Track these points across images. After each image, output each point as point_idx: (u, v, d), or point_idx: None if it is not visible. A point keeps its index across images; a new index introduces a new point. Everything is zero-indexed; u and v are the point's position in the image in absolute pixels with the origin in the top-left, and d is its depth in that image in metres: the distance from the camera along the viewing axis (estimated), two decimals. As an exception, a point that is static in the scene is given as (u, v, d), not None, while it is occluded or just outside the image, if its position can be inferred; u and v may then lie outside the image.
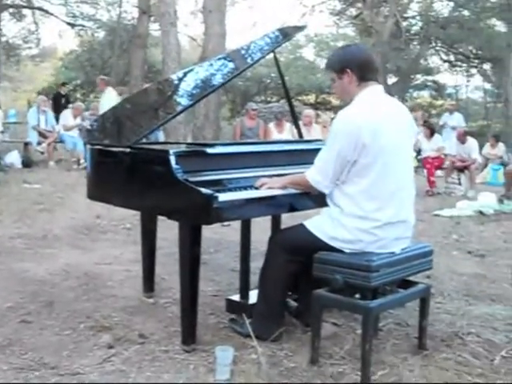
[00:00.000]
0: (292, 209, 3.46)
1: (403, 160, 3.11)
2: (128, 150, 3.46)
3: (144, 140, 3.71)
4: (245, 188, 3.26)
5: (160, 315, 3.82)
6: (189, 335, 3.27)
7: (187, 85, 3.90)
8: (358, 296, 3.05)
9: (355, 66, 3.08)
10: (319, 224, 3.15)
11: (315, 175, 3.09)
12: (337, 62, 3.15)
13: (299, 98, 25.86)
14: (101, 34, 26.84)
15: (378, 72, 3.14)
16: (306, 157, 3.78)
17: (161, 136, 12.21)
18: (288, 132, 10.65)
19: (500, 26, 24.34)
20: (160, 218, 3.54)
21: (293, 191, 3.30)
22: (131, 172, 3.44)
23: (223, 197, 3.01)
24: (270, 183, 3.31)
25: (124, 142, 3.55)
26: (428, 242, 3.71)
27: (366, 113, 2.98)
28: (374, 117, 2.98)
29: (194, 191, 2.97)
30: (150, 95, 4.30)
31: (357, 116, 2.97)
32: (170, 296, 4.18)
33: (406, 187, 3.13)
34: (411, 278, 3.27)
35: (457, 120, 14.31)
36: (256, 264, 4.30)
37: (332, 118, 12.94)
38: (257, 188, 3.29)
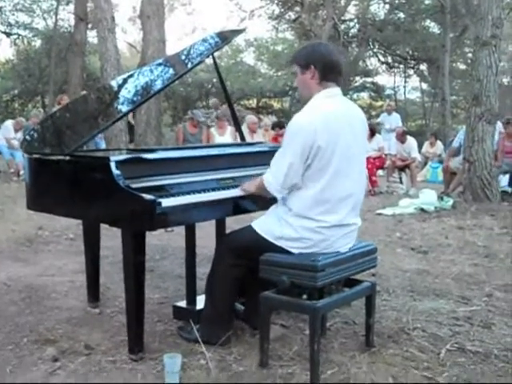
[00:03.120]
0: (236, 212, 3.46)
1: (356, 164, 3.10)
2: (68, 157, 3.40)
3: (84, 148, 3.65)
4: (188, 193, 3.24)
5: (106, 325, 3.76)
6: (136, 344, 3.22)
7: (127, 91, 3.86)
8: (304, 296, 3.05)
9: (320, 65, 3.08)
10: (265, 224, 3.15)
11: (269, 178, 3.08)
12: (303, 57, 3.15)
13: (241, 102, 25.91)
14: (37, 43, 26.29)
15: (340, 75, 3.15)
16: (249, 160, 3.80)
17: (102, 144, 12.05)
18: (230, 134, 10.65)
19: (434, 28, 24.97)
20: (104, 226, 3.48)
21: (236, 194, 3.31)
22: (72, 180, 3.38)
23: (166, 202, 2.98)
24: (247, 187, 3.32)
25: (64, 150, 3.49)
26: (372, 241, 3.76)
27: (322, 116, 2.97)
28: (330, 119, 2.98)
29: (137, 197, 2.94)
30: (89, 102, 4.22)
31: (312, 119, 2.96)
32: (116, 305, 4.13)
33: (357, 192, 3.13)
34: (357, 277, 3.29)
35: (395, 120, 14.55)
36: (203, 270, 4.30)
37: (273, 123, 12.98)
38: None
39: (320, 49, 3.16)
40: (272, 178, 3.05)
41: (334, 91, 3.12)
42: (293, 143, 2.97)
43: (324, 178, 2.98)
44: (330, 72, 3.10)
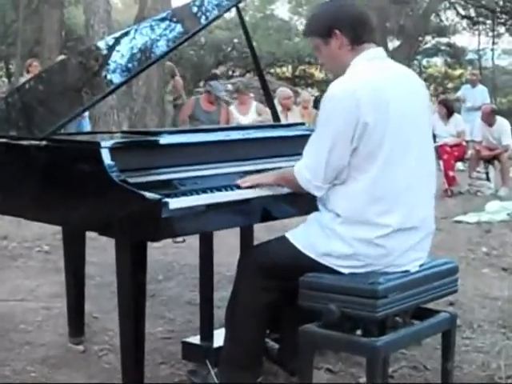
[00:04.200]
0: (266, 217, 3.48)
1: (418, 145, 3.10)
2: (43, 143, 3.41)
3: (64, 130, 3.68)
4: (203, 191, 3.23)
5: (93, 367, 3.79)
6: (133, 393, 3.24)
7: (120, 55, 3.88)
8: (359, 332, 3.03)
9: (345, 25, 3.08)
10: (306, 236, 3.14)
11: (304, 172, 3.07)
12: (321, 24, 3.15)
13: (271, 70, 25.99)
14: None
15: (375, 32, 3.16)
16: (284, 147, 3.80)
17: (87, 125, 12.13)
18: (254, 113, 10.68)
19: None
20: (91, 235, 3.50)
21: (267, 192, 3.31)
22: (48, 173, 3.40)
23: (175, 203, 2.97)
24: (259, 179, 3.34)
25: (37, 134, 3.50)
26: (450, 258, 3.73)
27: (366, 83, 2.97)
28: (378, 88, 2.97)
29: (136, 196, 2.93)
30: (69, 70, 4.26)
31: (354, 88, 2.95)
32: (105, 341, 4.15)
33: (422, 182, 3.13)
34: (430, 306, 3.28)
35: (480, 95, 14.42)
36: (221, 294, 4.30)
37: (316, 97, 13.01)
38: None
39: (337, 6, 3.18)
40: (308, 171, 3.05)
41: (377, 52, 3.13)
42: (331, 120, 2.98)
43: (375, 165, 2.97)
44: (363, 30, 3.11)
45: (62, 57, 11.78)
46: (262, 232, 4.26)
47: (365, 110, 2.92)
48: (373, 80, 2.99)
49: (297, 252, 3.12)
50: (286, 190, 3.30)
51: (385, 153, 2.97)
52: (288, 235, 3.19)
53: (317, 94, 17.75)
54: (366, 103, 2.92)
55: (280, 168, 3.41)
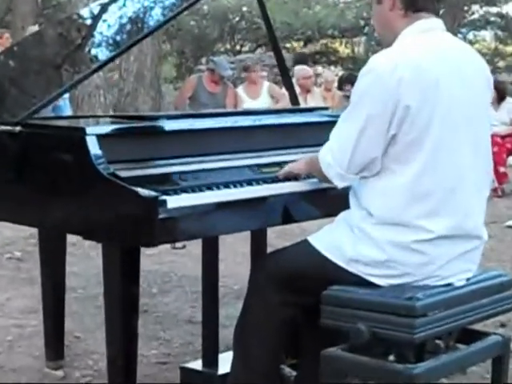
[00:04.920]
0: (284, 219, 3.47)
1: (473, 136, 3.09)
2: (17, 129, 3.43)
3: (39, 115, 3.68)
4: (208, 187, 3.25)
5: (74, 397, 3.81)
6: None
7: (107, 26, 3.89)
8: (393, 357, 3.02)
9: None
10: (331, 238, 3.15)
11: (327, 155, 3.08)
12: None
13: (286, 45, 25.97)
14: None
15: (436, 2, 3.16)
16: (305, 135, 3.80)
17: (66, 108, 12.14)
18: (267, 95, 10.68)
19: None
20: (72, 240, 3.51)
21: (284, 190, 3.33)
22: (22, 164, 3.41)
23: (174, 201, 2.99)
24: (291, 167, 3.39)
25: (8, 118, 3.53)
26: (502, 269, 3.73)
27: (411, 59, 2.97)
28: (425, 66, 2.97)
29: (128, 193, 2.95)
30: (46, 44, 4.27)
31: (396, 64, 2.94)
32: (89, 365, 4.17)
33: (476, 180, 3.11)
34: (478, 327, 3.28)
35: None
36: (228, 311, 4.31)
37: (341, 77, 13.01)
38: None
39: None
40: (331, 154, 3.06)
41: (432, 23, 3.12)
42: (366, 98, 2.99)
43: (418, 157, 2.97)
44: None
45: (37, 27, 11.81)
46: (276, 238, 4.25)
47: (407, 91, 2.91)
48: (420, 56, 2.99)
49: (319, 258, 3.12)
50: (307, 187, 3.31)
51: (431, 143, 2.96)
52: (310, 239, 3.20)
53: (342, 73, 17.68)
54: (408, 83, 2.91)
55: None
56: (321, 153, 3.10)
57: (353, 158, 3.00)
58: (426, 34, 3.08)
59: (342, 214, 3.21)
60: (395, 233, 2.99)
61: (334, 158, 3.03)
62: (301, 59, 10.69)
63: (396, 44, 3.07)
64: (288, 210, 3.43)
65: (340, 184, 3.09)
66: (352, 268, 3.06)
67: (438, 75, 2.97)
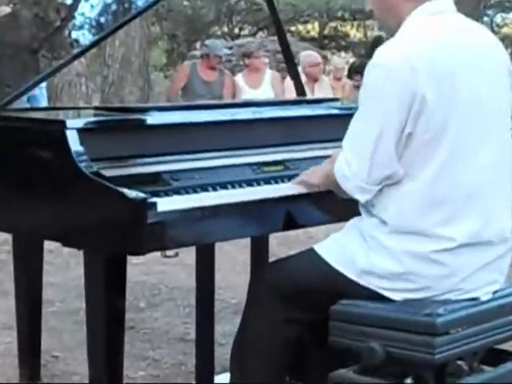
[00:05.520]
0: (288, 224, 3.51)
1: (496, 134, 3.11)
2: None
3: (15, 105, 3.73)
4: (203, 188, 3.27)
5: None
6: None
7: (89, 6, 3.95)
8: (410, 380, 3.03)
9: None
10: (341, 248, 3.16)
11: (343, 167, 3.05)
12: None
13: (291, 28, 25.92)
14: None
15: None
16: (313, 130, 3.84)
17: (42, 98, 12.12)
18: (269, 85, 10.69)
19: None
20: (50, 247, 3.55)
21: (290, 192, 3.37)
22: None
23: (165, 204, 3.02)
24: (305, 176, 3.38)
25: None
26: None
27: (425, 46, 2.98)
28: (441, 54, 2.98)
29: (113, 194, 2.97)
30: (20, 26, 4.30)
31: (408, 52, 2.96)
32: (68, 388, 4.19)
33: (500, 183, 3.13)
34: (505, 346, 3.30)
35: None
36: (224, 328, 4.33)
37: (352, 64, 13.03)
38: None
39: None
40: (347, 166, 3.03)
41: (443, 4, 3.14)
42: (378, 97, 3.00)
43: (435, 159, 2.98)
44: None
45: (10, 8, 11.81)
46: (279, 245, 4.29)
47: (422, 80, 2.91)
48: (433, 41, 3.00)
49: (328, 270, 3.13)
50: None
51: (449, 142, 2.97)
52: (317, 247, 3.21)
53: (352, 59, 17.66)
54: (423, 72, 2.92)
55: (309, 159, 3.50)
56: (336, 164, 3.08)
57: (372, 168, 2.99)
58: (436, 16, 3.08)
59: (353, 221, 3.22)
60: (412, 242, 3.00)
61: (350, 171, 3.02)
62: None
63: (402, 30, 3.08)
64: (292, 215, 3.45)
65: (362, 198, 3.07)
66: (363, 281, 3.07)
67: (454, 69, 2.99)
